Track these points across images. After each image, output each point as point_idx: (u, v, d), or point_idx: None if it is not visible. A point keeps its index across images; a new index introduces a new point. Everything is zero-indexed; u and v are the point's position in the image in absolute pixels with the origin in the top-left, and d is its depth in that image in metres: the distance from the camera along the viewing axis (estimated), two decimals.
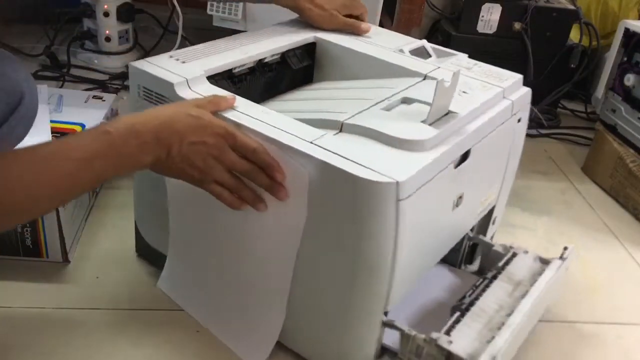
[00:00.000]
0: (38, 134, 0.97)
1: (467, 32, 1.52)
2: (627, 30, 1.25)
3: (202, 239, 0.79)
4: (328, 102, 0.81)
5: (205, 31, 1.45)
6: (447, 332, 0.73)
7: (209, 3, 1.32)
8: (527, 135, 1.53)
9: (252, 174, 0.68)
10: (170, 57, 0.79)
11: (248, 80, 0.84)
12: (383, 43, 0.94)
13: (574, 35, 1.60)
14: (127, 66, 1.55)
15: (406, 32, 1.44)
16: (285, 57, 0.90)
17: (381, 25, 1.37)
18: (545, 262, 0.87)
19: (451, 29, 1.55)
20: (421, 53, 0.94)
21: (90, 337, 0.79)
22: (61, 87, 1.44)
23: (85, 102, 1.13)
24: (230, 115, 0.70)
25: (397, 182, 0.62)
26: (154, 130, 0.65)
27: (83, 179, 0.62)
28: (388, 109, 0.76)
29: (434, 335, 0.72)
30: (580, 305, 0.92)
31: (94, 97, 1.16)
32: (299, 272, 0.72)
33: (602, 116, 1.33)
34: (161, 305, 0.85)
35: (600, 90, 1.32)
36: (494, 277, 0.84)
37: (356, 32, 0.97)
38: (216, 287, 0.81)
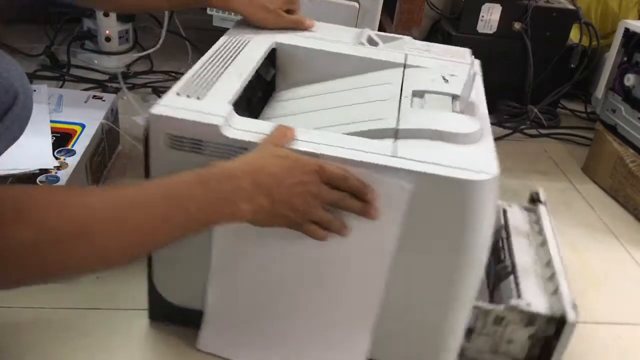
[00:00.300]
0: (38, 134, 0.98)
1: (467, 32, 1.52)
2: (627, 30, 1.25)
3: (262, 280, 0.73)
4: (350, 109, 0.79)
5: (205, 31, 1.45)
6: (518, 296, 0.78)
7: None
8: (527, 135, 1.54)
9: (344, 202, 0.65)
10: (178, 94, 0.70)
11: (240, 101, 0.80)
12: (336, 37, 0.93)
13: (574, 35, 1.60)
14: (127, 67, 1.57)
15: (406, 32, 1.45)
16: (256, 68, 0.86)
17: (381, 25, 1.37)
18: (530, 209, 0.92)
19: (451, 29, 1.55)
20: (372, 42, 0.94)
21: (90, 337, 0.79)
22: (61, 87, 1.44)
23: (85, 102, 1.14)
24: (300, 147, 0.66)
25: (496, 176, 0.64)
26: (250, 175, 0.61)
27: (175, 223, 0.57)
28: (411, 105, 0.76)
29: (513, 302, 0.76)
30: (579, 305, 0.92)
31: (94, 97, 1.16)
32: (389, 285, 0.71)
33: (602, 116, 1.33)
34: None
35: (600, 90, 1.32)
36: (508, 235, 0.87)
37: (302, 28, 0.94)
38: (284, 326, 0.75)
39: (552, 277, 0.81)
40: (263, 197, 0.61)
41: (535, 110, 1.55)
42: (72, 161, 0.95)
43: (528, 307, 0.76)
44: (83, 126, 1.04)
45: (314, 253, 0.70)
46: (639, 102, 1.23)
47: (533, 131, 1.54)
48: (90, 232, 0.51)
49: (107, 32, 1.55)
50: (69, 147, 0.99)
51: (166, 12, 1.50)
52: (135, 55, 1.62)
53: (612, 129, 1.30)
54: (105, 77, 1.50)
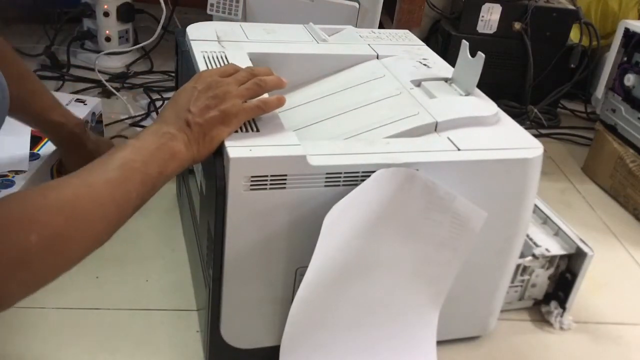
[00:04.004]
0: (17, 135, 0.96)
1: (467, 32, 1.52)
2: (627, 30, 1.25)
3: (345, 300, 0.71)
4: (367, 111, 0.78)
5: None
6: (535, 245, 0.88)
7: (209, 3, 1.33)
8: None
9: (255, 78, 0.69)
10: (237, 130, 0.67)
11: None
12: (295, 38, 0.92)
13: (574, 35, 1.60)
14: (127, 67, 1.57)
15: None
16: None
17: (381, 24, 1.37)
18: None
19: (451, 29, 1.55)
20: (319, 36, 0.93)
21: (90, 338, 0.79)
22: (61, 87, 1.44)
23: (67, 105, 1.10)
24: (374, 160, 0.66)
25: (542, 150, 0.72)
26: (170, 109, 0.65)
27: (136, 182, 0.59)
28: (416, 95, 0.78)
29: (536, 251, 0.86)
30: (579, 305, 0.92)
31: (77, 100, 1.14)
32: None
33: (602, 116, 1.33)
34: (161, 305, 0.85)
35: (600, 90, 1.32)
36: None
37: None
38: (359, 331, 0.73)
39: (546, 221, 0.94)
40: (183, 121, 0.63)
41: (535, 110, 1.55)
42: (33, 166, 0.92)
43: (549, 252, 0.87)
44: None
45: (400, 277, 0.71)
46: (639, 102, 1.23)
47: (533, 131, 1.53)
48: (79, 218, 0.54)
49: (107, 32, 1.55)
50: (35, 151, 0.96)
51: (164, 11, 1.50)
52: (133, 50, 1.62)
53: (612, 129, 1.30)
54: (106, 77, 1.50)
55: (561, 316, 0.89)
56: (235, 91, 0.66)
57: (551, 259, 0.88)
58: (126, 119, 1.32)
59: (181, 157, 0.63)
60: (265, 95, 0.69)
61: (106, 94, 1.42)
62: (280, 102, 0.69)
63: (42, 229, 0.51)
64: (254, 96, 0.68)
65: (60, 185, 0.56)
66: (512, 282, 0.86)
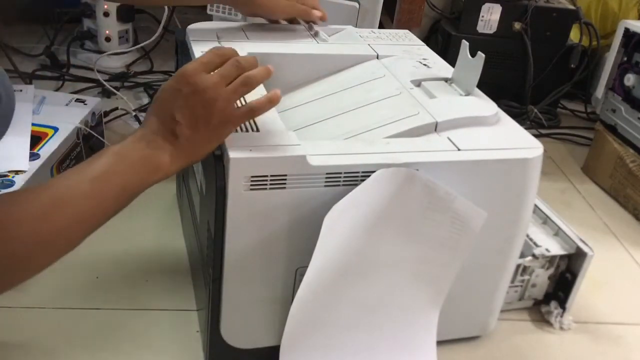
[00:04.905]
0: (17, 135, 0.96)
1: (467, 32, 1.52)
2: (627, 30, 1.25)
3: (346, 301, 0.71)
4: (368, 110, 0.78)
5: None
6: (535, 245, 0.88)
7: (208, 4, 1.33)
8: None
9: (240, 68, 0.64)
10: (237, 130, 0.66)
11: None
12: (293, 37, 0.91)
13: (574, 35, 1.60)
14: (127, 66, 1.57)
15: None
16: None
17: (381, 25, 1.37)
18: None
19: (451, 29, 1.55)
20: (320, 37, 0.93)
21: (90, 338, 0.79)
22: (61, 87, 1.44)
23: (67, 105, 1.11)
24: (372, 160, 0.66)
25: (542, 150, 0.72)
26: (153, 114, 0.62)
27: (110, 196, 0.58)
28: (416, 95, 0.78)
29: (536, 251, 0.86)
30: (579, 305, 0.92)
31: (77, 100, 1.13)
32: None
33: (602, 116, 1.33)
34: (161, 305, 0.85)
35: (600, 90, 1.32)
36: None
37: (310, 19, 0.93)
38: (358, 331, 0.73)
39: (546, 221, 0.94)
40: (169, 131, 0.61)
41: (535, 110, 1.55)
42: (33, 165, 0.92)
43: (549, 252, 0.87)
44: (56, 129, 1.01)
45: (400, 276, 0.71)
46: (639, 102, 1.23)
47: (533, 131, 1.53)
48: (54, 226, 0.55)
49: (107, 32, 1.55)
50: (35, 150, 0.96)
51: (165, 9, 1.50)
52: (133, 50, 1.62)
53: (612, 129, 1.30)
54: (106, 77, 1.50)
55: (561, 316, 0.89)
56: (223, 94, 0.62)
57: (551, 259, 0.88)
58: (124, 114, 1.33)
59: (165, 170, 0.61)
60: (259, 90, 0.67)
61: (106, 93, 1.42)
62: (271, 102, 0.64)
63: (17, 237, 0.51)
64: (243, 95, 0.65)
65: (35, 193, 0.56)
66: (512, 282, 0.86)
